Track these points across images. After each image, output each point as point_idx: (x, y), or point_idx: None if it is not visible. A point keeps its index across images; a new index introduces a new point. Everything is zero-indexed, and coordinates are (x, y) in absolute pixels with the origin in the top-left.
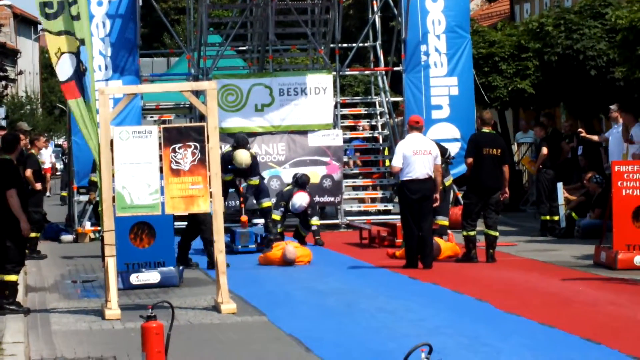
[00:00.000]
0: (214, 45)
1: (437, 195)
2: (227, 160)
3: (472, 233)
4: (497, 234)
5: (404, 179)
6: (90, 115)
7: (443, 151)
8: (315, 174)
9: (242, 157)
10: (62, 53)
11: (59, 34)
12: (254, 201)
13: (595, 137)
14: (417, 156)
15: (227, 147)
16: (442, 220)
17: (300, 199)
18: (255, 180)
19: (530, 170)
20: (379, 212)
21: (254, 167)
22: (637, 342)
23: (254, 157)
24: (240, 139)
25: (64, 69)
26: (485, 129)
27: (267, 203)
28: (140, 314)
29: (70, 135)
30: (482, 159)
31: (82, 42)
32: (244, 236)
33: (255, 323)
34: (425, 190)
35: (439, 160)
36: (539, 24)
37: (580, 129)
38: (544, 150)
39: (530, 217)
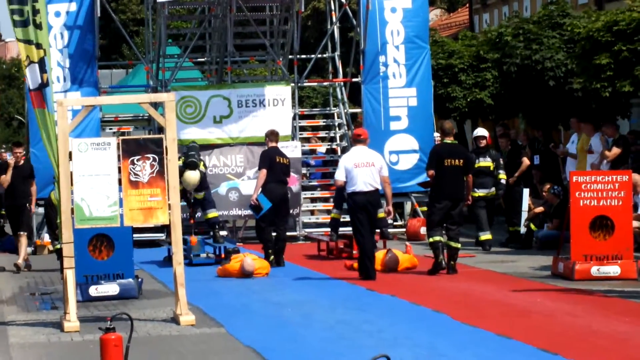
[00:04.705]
0: (172, 57)
1: (390, 208)
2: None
3: (437, 238)
4: (459, 245)
5: (349, 191)
6: (52, 127)
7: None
8: None
9: (190, 179)
10: (31, 62)
11: (27, 42)
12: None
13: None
14: (358, 169)
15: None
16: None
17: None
18: (200, 195)
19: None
20: None
21: (201, 183)
22: (592, 352)
23: (202, 176)
24: (189, 163)
25: (32, 78)
26: (447, 140)
27: (212, 214)
28: (99, 326)
29: (28, 146)
30: (444, 170)
31: (45, 52)
32: (194, 245)
33: (213, 334)
34: (368, 202)
35: (385, 172)
36: (497, 34)
37: (552, 144)
38: (526, 160)
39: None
